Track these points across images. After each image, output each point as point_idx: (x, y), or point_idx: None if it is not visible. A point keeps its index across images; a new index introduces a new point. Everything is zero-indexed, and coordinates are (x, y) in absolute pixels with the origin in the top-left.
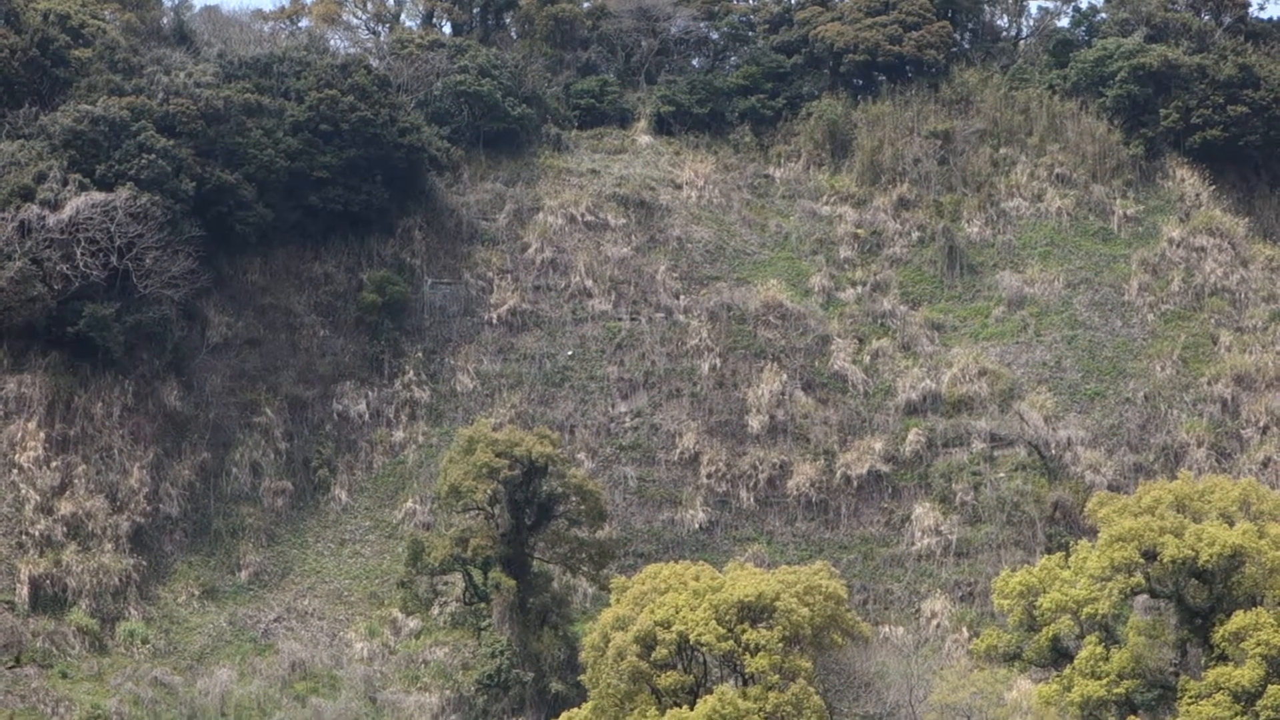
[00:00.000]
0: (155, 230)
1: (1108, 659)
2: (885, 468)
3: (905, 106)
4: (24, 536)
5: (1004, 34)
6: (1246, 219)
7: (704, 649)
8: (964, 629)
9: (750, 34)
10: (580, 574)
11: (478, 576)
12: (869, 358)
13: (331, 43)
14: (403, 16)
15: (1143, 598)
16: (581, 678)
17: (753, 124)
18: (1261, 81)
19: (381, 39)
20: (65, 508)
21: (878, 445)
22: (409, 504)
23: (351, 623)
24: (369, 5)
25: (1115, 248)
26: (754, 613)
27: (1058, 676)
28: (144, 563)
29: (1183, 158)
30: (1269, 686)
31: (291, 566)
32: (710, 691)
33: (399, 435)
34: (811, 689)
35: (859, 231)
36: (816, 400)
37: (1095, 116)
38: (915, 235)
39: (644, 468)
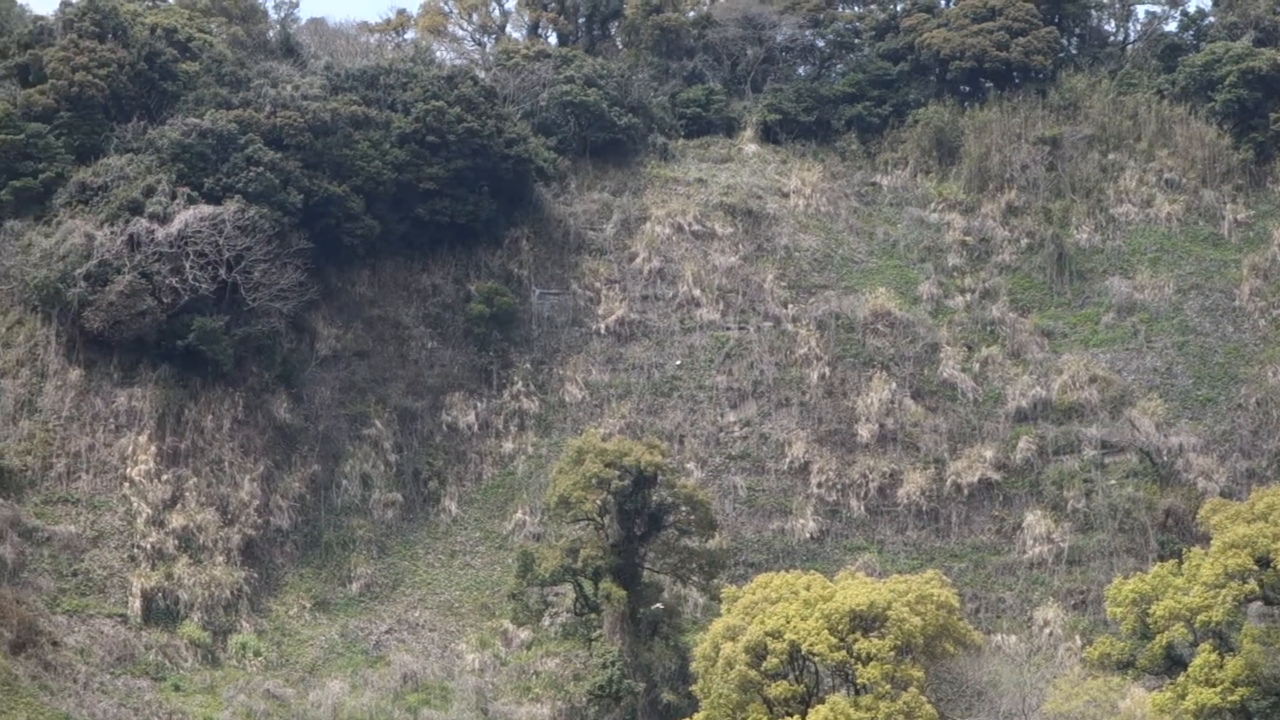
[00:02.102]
0: (263, 243)
1: (1222, 666)
2: (996, 475)
3: (1013, 112)
4: (136, 550)
5: (1111, 39)
6: None
7: (815, 659)
8: (1077, 637)
9: (856, 41)
10: (691, 584)
11: (588, 587)
12: (978, 365)
13: (437, 54)
14: (508, 27)
15: (1257, 605)
16: (693, 688)
17: (859, 131)
18: None
19: (487, 50)
20: (176, 521)
21: (988, 453)
22: (519, 515)
23: (462, 634)
24: (474, 17)
25: (1226, 253)
26: (865, 622)
27: (1172, 684)
28: (255, 575)
29: None
30: None
31: (402, 578)
32: (822, 701)
33: (508, 446)
34: (924, 698)
35: (967, 238)
36: (926, 408)
37: (1204, 121)
38: (1024, 242)
39: (753, 477)
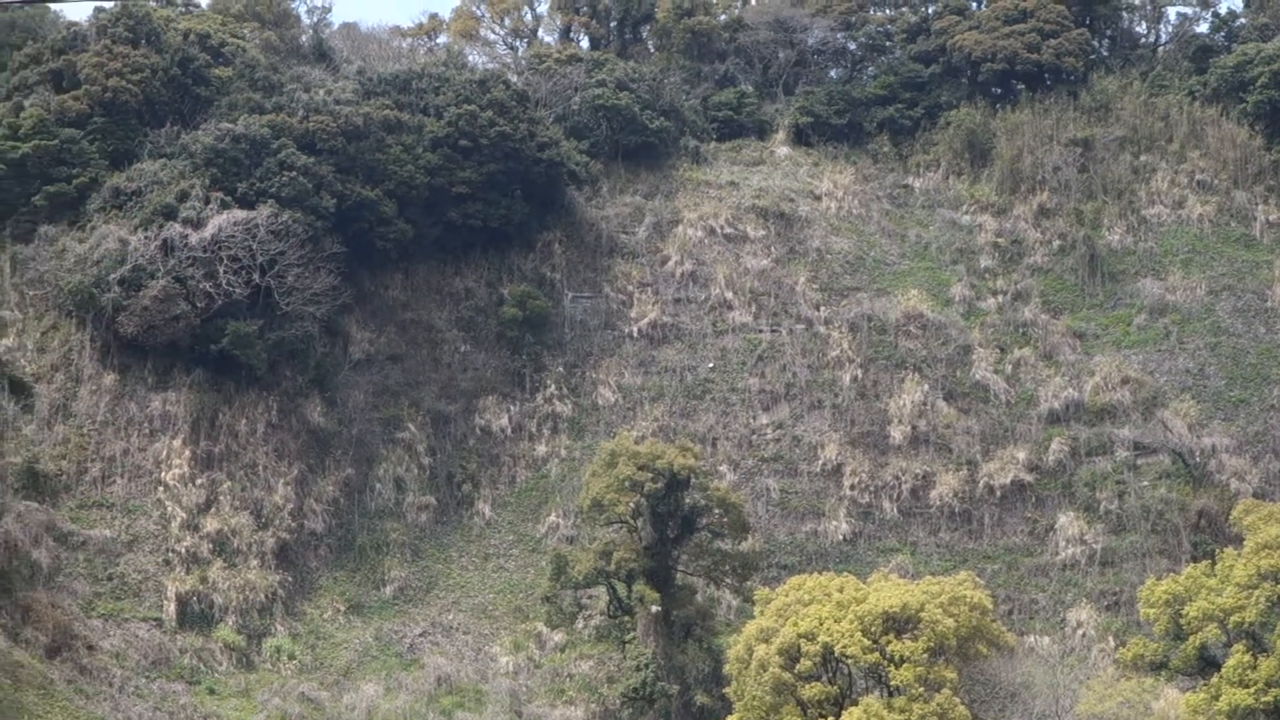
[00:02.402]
0: (297, 247)
1: (1255, 667)
2: (1028, 477)
3: (1044, 114)
4: (170, 554)
5: (1142, 40)
6: None
7: (849, 661)
8: (1110, 638)
9: (888, 44)
10: (724, 586)
11: (621, 590)
12: (1011, 367)
13: (470, 58)
14: (540, 31)
15: None
16: (726, 690)
17: (891, 134)
18: None
19: (519, 54)
20: (211, 525)
21: (1021, 454)
22: (552, 518)
23: (496, 637)
24: (507, 21)
25: (1258, 254)
26: (898, 624)
27: (1205, 685)
28: (289, 579)
29: None
30: None
31: (436, 581)
32: (855, 703)
33: (541, 449)
34: (957, 700)
35: (999, 240)
36: (958, 410)
37: (1236, 122)
38: (1056, 244)
39: (786, 479)
